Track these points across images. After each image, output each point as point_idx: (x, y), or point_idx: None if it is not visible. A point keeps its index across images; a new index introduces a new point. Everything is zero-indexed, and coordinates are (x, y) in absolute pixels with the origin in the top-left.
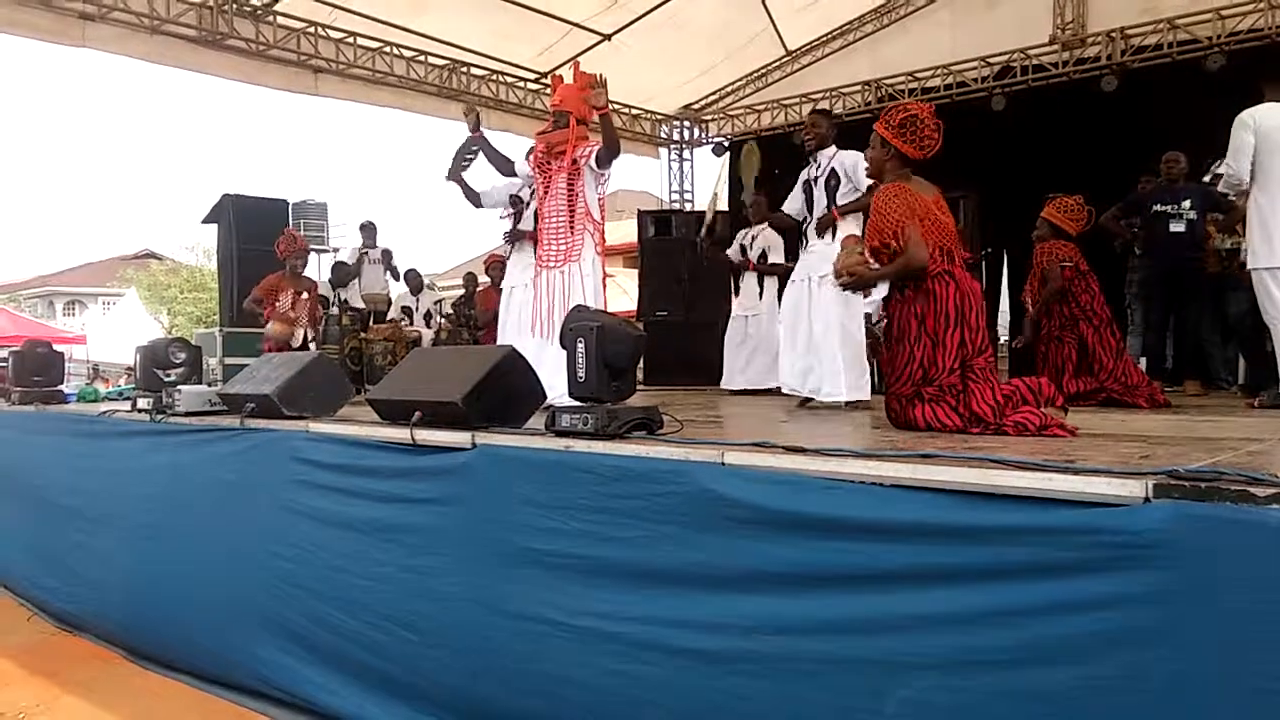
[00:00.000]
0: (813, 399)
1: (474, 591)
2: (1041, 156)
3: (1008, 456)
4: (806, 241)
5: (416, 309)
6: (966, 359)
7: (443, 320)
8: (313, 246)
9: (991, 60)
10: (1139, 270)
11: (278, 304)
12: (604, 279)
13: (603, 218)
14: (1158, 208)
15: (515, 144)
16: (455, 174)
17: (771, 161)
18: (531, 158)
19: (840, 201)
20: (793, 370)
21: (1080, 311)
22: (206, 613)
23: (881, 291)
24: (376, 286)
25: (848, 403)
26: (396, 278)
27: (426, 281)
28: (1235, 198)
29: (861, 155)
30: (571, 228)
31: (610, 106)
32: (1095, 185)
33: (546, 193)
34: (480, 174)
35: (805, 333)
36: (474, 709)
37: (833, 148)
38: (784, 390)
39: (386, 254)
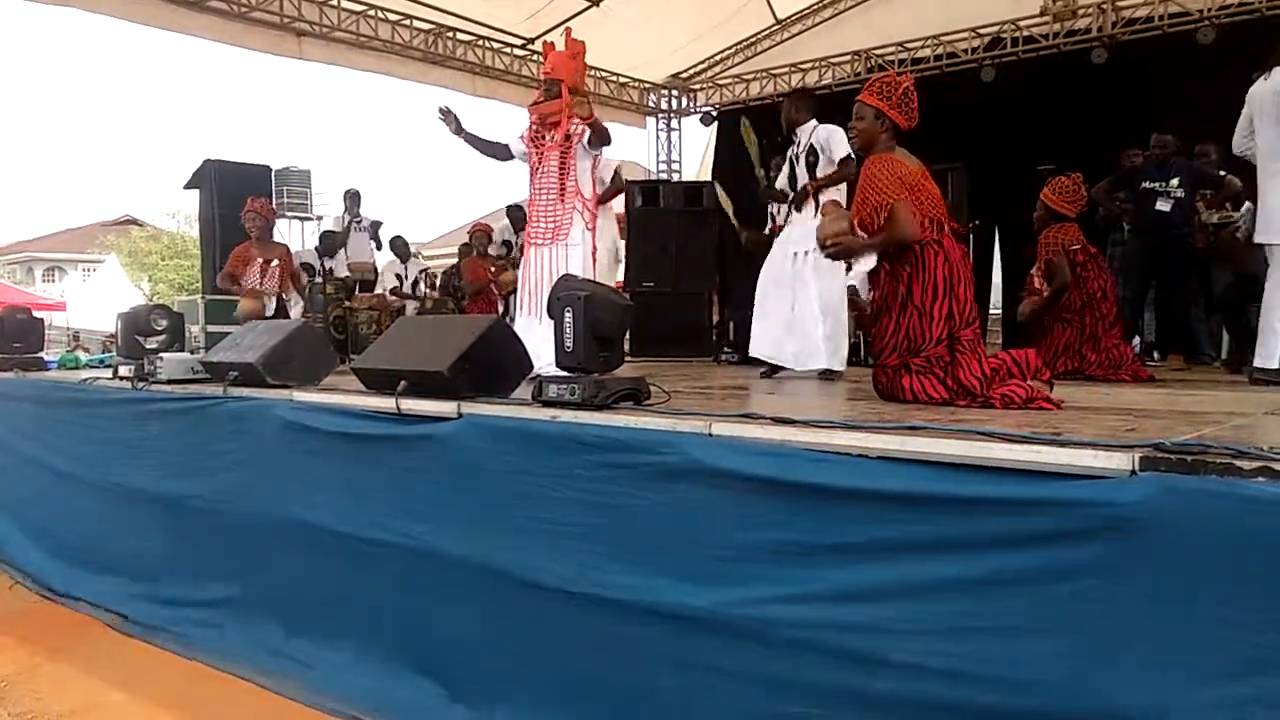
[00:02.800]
0: (784, 368)
1: (465, 557)
2: (1031, 128)
3: (995, 429)
4: (789, 216)
5: (406, 276)
6: (954, 330)
7: (429, 290)
8: (296, 215)
9: (982, 31)
10: (1125, 245)
11: (246, 279)
12: (594, 252)
13: (595, 195)
14: (1146, 184)
15: (501, 112)
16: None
17: (762, 132)
18: (525, 133)
19: (820, 176)
20: (766, 338)
21: (1088, 298)
22: (192, 580)
23: (867, 264)
24: (363, 255)
25: (821, 372)
26: (379, 247)
27: (412, 249)
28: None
29: (835, 128)
30: (562, 203)
31: (593, 94)
32: (1085, 158)
33: (539, 166)
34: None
35: (784, 304)
36: (470, 677)
37: (812, 122)
38: (753, 355)
39: (375, 224)
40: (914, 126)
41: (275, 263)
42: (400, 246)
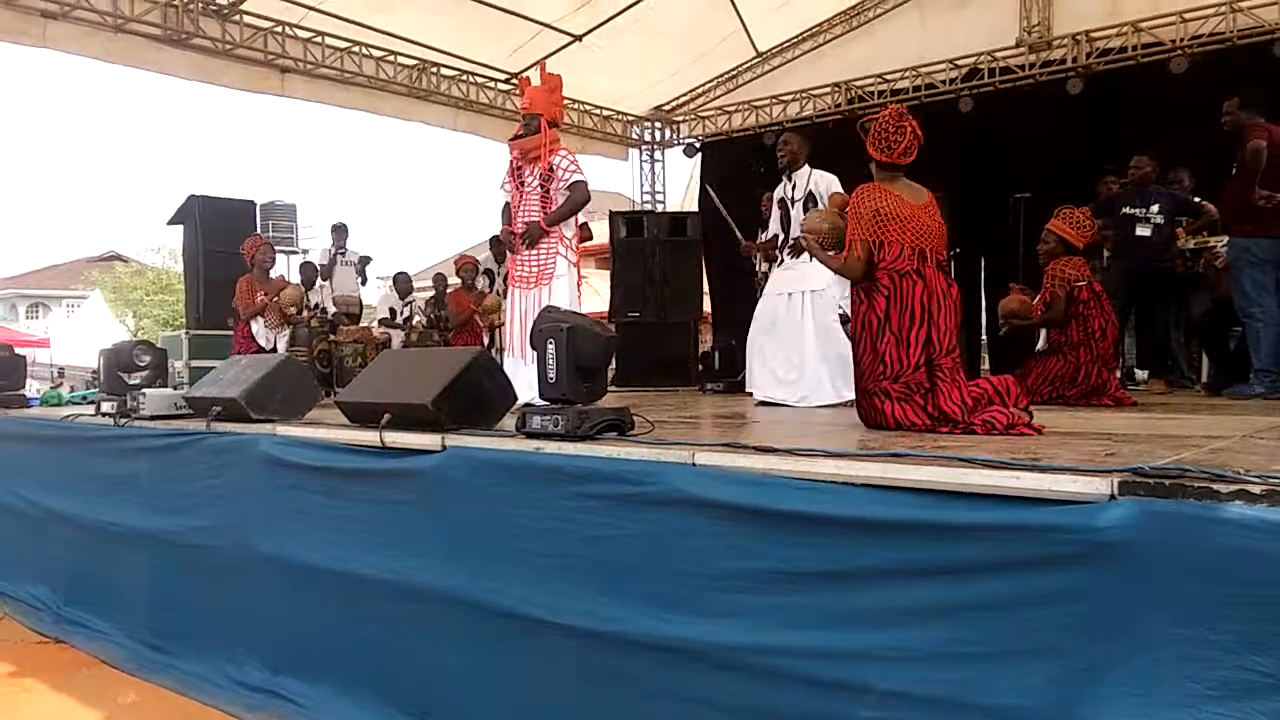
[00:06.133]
0: (786, 405)
1: (452, 592)
2: (1009, 158)
3: (976, 455)
4: (781, 259)
5: (401, 312)
6: (933, 358)
7: (415, 322)
8: (283, 249)
9: (960, 62)
10: (1106, 270)
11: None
12: (579, 283)
13: (576, 234)
14: (1126, 210)
15: (483, 147)
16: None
17: (740, 163)
18: (507, 172)
19: None
20: (765, 381)
21: (1086, 336)
22: (179, 616)
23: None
24: (349, 289)
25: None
26: (364, 282)
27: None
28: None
29: (833, 178)
30: (545, 238)
31: (576, 127)
32: (1062, 186)
33: (520, 203)
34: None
35: (780, 349)
36: (457, 712)
37: (807, 168)
38: (758, 398)
39: (364, 259)
40: (901, 160)
41: (261, 299)
42: (403, 283)
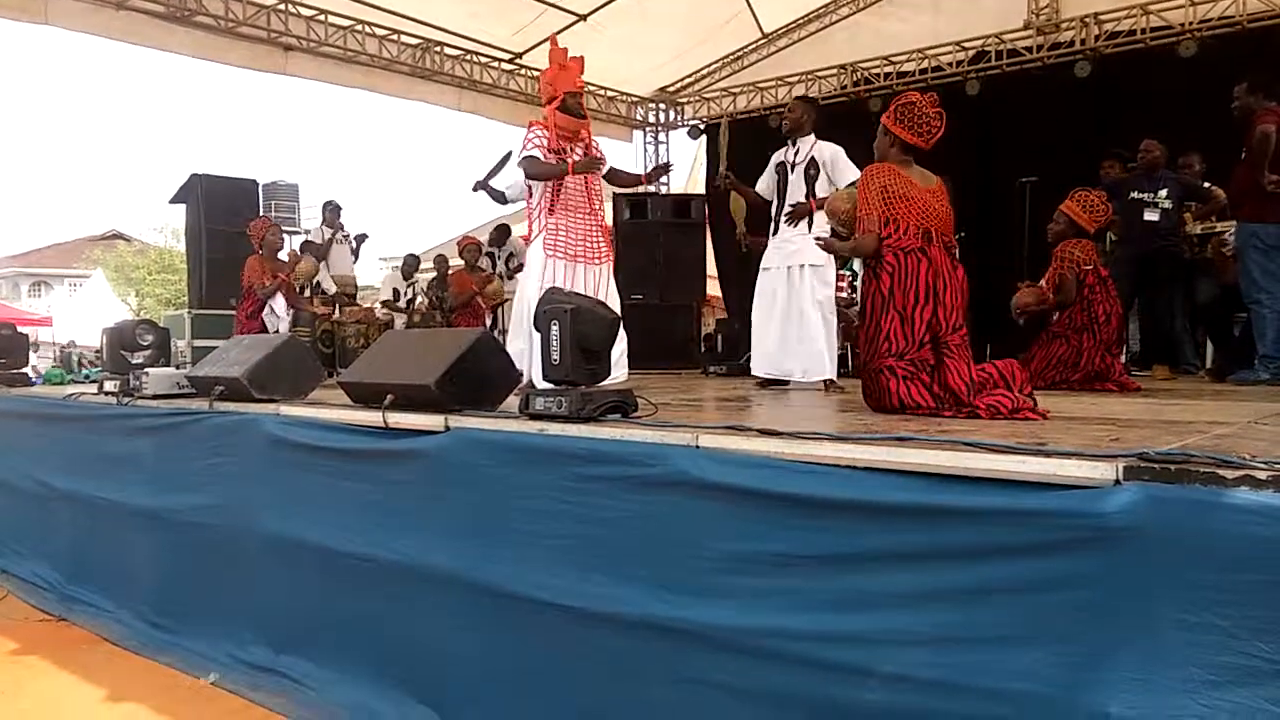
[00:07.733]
0: (789, 381)
1: (454, 572)
2: (1016, 141)
3: (981, 440)
4: (778, 229)
5: (405, 292)
6: (939, 334)
7: (418, 304)
8: (285, 229)
9: (967, 45)
10: (1112, 255)
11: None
12: None
13: None
14: (1134, 195)
15: (485, 127)
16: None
17: (745, 145)
18: (545, 141)
19: (819, 193)
20: (764, 357)
21: (1090, 320)
22: (182, 595)
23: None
24: (344, 269)
25: (826, 382)
26: (356, 260)
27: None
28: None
29: (840, 149)
30: (600, 221)
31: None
32: (1069, 170)
33: (561, 182)
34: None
35: (783, 319)
36: (459, 694)
37: (812, 136)
38: (759, 376)
39: (360, 237)
40: (923, 144)
41: (279, 277)
42: (409, 263)
